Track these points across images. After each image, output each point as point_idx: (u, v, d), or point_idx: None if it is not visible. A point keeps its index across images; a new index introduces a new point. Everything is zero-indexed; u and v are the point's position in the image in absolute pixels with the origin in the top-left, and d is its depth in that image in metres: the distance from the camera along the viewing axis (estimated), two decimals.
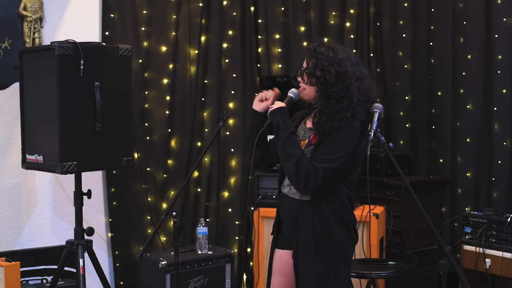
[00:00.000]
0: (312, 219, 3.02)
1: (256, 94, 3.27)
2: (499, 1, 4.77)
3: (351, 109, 2.99)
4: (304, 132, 3.15)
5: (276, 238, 3.24)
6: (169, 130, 5.02)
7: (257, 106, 3.20)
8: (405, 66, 5.52)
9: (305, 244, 3.03)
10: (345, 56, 3.04)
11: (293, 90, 3.13)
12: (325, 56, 3.01)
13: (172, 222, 3.60)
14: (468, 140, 5.00)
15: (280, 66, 5.39)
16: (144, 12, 4.89)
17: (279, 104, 3.08)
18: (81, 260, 3.66)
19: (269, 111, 3.08)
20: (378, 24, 5.67)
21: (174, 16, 5.00)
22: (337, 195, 3.04)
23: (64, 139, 3.54)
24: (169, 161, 5.03)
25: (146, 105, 4.94)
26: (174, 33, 5.00)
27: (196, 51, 5.08)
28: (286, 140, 3.01)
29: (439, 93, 5.27)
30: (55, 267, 3.99)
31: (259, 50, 5.36)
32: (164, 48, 4.99)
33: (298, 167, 2.94)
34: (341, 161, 2.96)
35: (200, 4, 5.07)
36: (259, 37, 5.36)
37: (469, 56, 4.99)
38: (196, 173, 5.09)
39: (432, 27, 5.32)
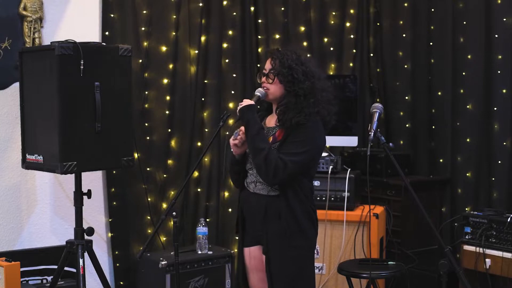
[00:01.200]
0: (281, 212, 3.16)
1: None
2: (499, 1, 4.77)
3: (317, 105, 3.16)
4: (267, 131, 3.28)
5: (242, 237, 3.37)
6: (169, 130, 5.02)
7: (234, 149, 3.29)
8: (405, 66, 5.52)
9: (277, 237, 3.17)
10: (308, 59, 3.29)
11: (260, 89, 3.27)
12: (290, 56, 3.20)
13: (172, 222, 3.60)
14: (468, 140, 5.00)
15: None
16: (144, 12, 4.89)
17: (248, 101, 3.22)
18: (81, 260, 3.66)
19: (238, 108, 3.22)
20: (378, 24, 5.67)
21: (174, 16, 5.00)
22: (302, 188, 3.19)
23: (64, 139, 3.54)
24: (169, 161, 5.03)
25: (146, 105, 4.94)
26: (174, 33, 5.00)
27: (196, 51, 5.08)
28: (256, 135, 3.15)
29: (439, 93, 5.27)
30: (55, 267, 3.99)
31: (259, 50, 5.36)
32: (164, 48, 4.99)
33: (268, 160, 3.09)
34: (307, 154, 3.14)
35: (200, 4, 5.07)
36: (259, 37, 5.36)
37: (469, 56, 4.99)
38: (196, 173, 5.09)
39: (432, 27, 5.32)
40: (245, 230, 3.35)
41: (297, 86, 3.16)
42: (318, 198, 4.61)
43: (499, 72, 4.77)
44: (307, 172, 3.23)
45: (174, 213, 3.49)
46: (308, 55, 3.38)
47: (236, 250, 5.08)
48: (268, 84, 3.24)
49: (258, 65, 5.35)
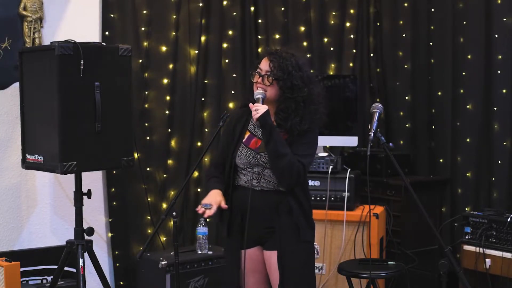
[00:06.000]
0: (291, 207, 3.20)
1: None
2: (499, 1, 4.77)
3: (318, 112, 3.22)
4: (257, 129, 3.26)
5: (241, 239, 3.25)
6: (169, 130, 5.02)
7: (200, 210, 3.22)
8: (405, 66, 5.52)
9: (290, 232, 3.20)
10: (304, 61, 3.26)
11: (260, 91, 3.19)
12: (288, 61, 3.17)
13: (172, 222, 3.60)
14: (468, 140, 5.00)
15: None
16: (144, 12, 4.89)
17: (262, 106, 3.14)
18: (81, 260, 3.66)
19: (258, 116, 3.11)
20: (378, 24, 5.67)
21: (174, 16, 5.00)
22: (306, 186, 3.32)
23: (64, 139, 3.54)
24: (169, 161, 5.03)
25: (146, 105, 4.94)
26: (174, 33, 5.00)
27: (196, 51, 5.08)
28: (279, 141, 3.13)
29: (439, 93, 5.27)
30: (55, 267, 3.99)
31: (259, 50, 5.36)
32: (164, 48, 4.99)
33: (291, 164, 3.11)
34: (313, 155, 3.30)
35: (200, 4, 5.07)
36: (259, 37, 5.36)
37: (469, 56, 4.99)
38: (196, 173, 5.09)
39: (432, 27, 5.32)
40: (244, 231, 3.25)
41: (297, 93, 3.16)
42: (318, 198, 4.61)
43: (499, 72, 4.77)
44: None
45: (174, 213, 3.49)
46: (304, 56, 3.34)
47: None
48: (264, 85, 3.19)
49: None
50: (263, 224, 3.23)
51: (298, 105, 3.17)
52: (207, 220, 5.02)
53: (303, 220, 3.23)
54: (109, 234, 4.81)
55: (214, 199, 3.21)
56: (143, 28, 4.90)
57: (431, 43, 5.34)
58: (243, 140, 3.29)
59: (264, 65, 3.21)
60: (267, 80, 3.17)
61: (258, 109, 3.11)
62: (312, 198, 4.10)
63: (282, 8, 5.40)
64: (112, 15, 4.75)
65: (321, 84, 3.34)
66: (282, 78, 3.15)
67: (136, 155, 4.67)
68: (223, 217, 3.34)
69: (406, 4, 5.50)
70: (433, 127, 5.33)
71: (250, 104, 3.16)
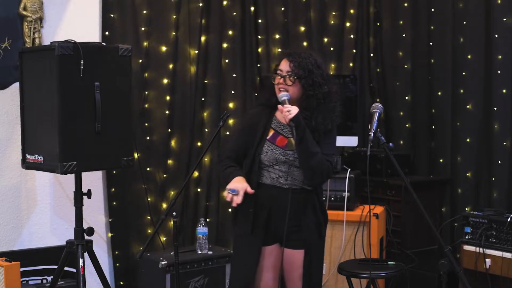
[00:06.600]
0: (314, 204, 3.34)
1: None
2: (499, 1, 4.77)
3: (337, 109, 3.36)
4: (281, 128, 3.35)
5: (264, 236, 3.32)
6: (169, 130, 5.02)
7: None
8: (405, 66, 5.52)
9: (314, 229, 3.34)
10: (322, 61, 3.37)
11: (285, 93, 3.26)
12: (308, 59, 3.27)
13: (172, 222, 3.60)
14: (468, 140, 5.00)
15: None
16: (144, 12, 4.89)
17: (293, 107, 3.20)
18: (81, 260, 3.66)
19: (291, 117, 3.17)
20: (378, 24, 5.67)
21: (174, 16, 5.00)
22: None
23: (64, 139, 3.54)
24: (169, 161, 5.03)
25: (146, 105, 4.94)
26: (174, 33, 5.00)
27: (196, 51, 5.08)
28: (310, 139, 3.21)
29: (439, 93, 5.27)
30: (55, 267, 3.99)
31: (259, 50, 5.36)
32: (164, 48, 4.99)
33: (322, 163, 3.23)
34: (335, 155, 3.44)
35: (200, 4, 5.07)
36: (259, 37, 5.36)
37: (469, 56, 4.99)
38: (196, 173, 5.09)
39: (432, 27, 5.32)
40: (268, 228, 3.32)
41: (318, 90, 3.26)
42: None
43: (499, 72, 4.77)
44: None
45: (174, 213, 3.49)
46: (320, 57, 3.41)
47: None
48: (286, 86, 3.27)
49: (258, 65, 5.35)
50: (289, 221, 3.27)
51: (319, 102, 3.27)
52: (207, 220, 5.03)
53: (323, 217, 3.40)
54: (109, 234, 4.81)
55: (240, 184, 3.24)
56: (143, 28, 4.90)
57: (431, 43, 5.34)
58: (268, 138, 3.34)
59: (284, 66, 3.30)
60: (288, 80, 3.27)
61: (290, 110, 3.18)
62: None
63: (282, 8, 5.40)
64: (112, 15, 4.75)
65: (338, 82, 3.48)
66: (304, 76, 3.25)
67: (136, 155, 4.67)
68: (247, 215, 3.33)
69: (406, 4, 5.50)
70: (433, 127, 5.33)
71: (279, 106, 3.22)
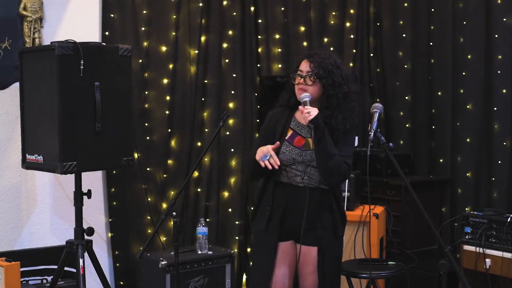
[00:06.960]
0: (332, 204, 3.39)
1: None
2: (499, 1, 4.77)
3: (356, 108, 3.35)
4: (300, 128, 3.40)
5: (279, 231, 3.41)
6: (169, 130, 5.02)
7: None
8: (405, 66, 5.52)
9: (330, 228, 3.39)
10: (340, 62, 3.43)
11: (306, 94, 3.30)
12: (328, 60, 3.32)
13: (172, 222, 3.60)
14: (468, 140, 5.00)
15: (280, 66, 5.39)
16: (144, 12, 4.89)
17: (313, 109, 3.23)
18: (81, 260, 3.66)
19: (311, 118, 3.20)
20: (378, 24, 5.68)
21: (174, 16, 5.00)
22: (340, 185, 3.53)
23: (64, 139, 3.54)
24: (169, 161, 5.03)
25: (146, 105, 4.94)
26: (174, 33, 5.00)
27: (196, 51, 5.08)
28: (328, 140, 3.25)
29: (439, 93, 5.27)
30: (55, 267, 3.99)
31: (259, 50, 5.36)
32: (164, 48, 4.99)
33: (339, 164, 3.27)
34: (352, 156, 3.41)
35: (200, 4, 5.07)
36: (259, 37, 5.36)
37: (469, 56, 5.00)
38: (196, 173, 5.09)
39: (432, 27, 5.33)
40: (283, 225, 3.40)
41: (338, 90, 3.31)
42: None
43: (499, 72, 4.78)
44: None
45: (174, 213, 3.49)
46: (338, 58, 3.46)
47: (236, 250, 5.08)
48: (306, 86, 3.32)
49: (258, 65, 5.35)
50: (300, 220, 3.31)
51: (339, 101, 3.32)
52: (207, 220, 5.03)
53: (340, 217, 3.43)
54: (109, 234, 4.81)
55: (266, 148, 3.29)
56: (143, 28, 4.89)
57: (431, 43, 5.34)
58: (286, 138, 3.40)
59: (305, 66, 3.36)
60: (309, 80, 3.32)
61: (311, 112, 3.21)
62: None
63: (282, 8, 5.40)
64: (112, 15, 4.75)
65: (357, 82, 3.49)
66: (324, 76, 3.30)
67: (136, 155, 4.67)
68: (264, 212, 3.42)
69: (406, 4, 5.51)
70: (433, 127, 5.33)
71: (300, 107, 3.26)
